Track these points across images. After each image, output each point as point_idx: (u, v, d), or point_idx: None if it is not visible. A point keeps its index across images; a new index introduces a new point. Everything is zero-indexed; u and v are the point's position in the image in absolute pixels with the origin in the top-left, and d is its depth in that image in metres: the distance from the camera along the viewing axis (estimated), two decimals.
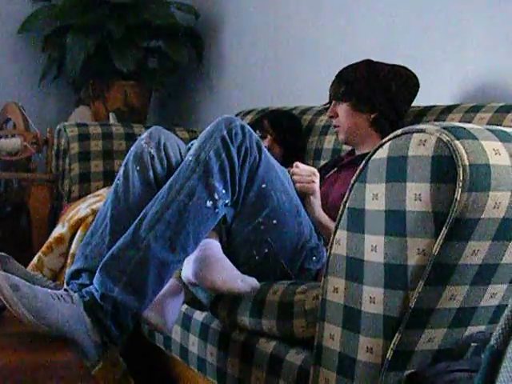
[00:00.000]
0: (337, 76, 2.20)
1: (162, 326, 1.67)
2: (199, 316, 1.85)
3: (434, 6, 2.45)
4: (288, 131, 2.60)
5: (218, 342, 1.72)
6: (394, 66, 2.16)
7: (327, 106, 2.24)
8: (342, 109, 2.17)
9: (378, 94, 2.12)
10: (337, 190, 2.05)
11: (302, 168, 1.89)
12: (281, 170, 1.78)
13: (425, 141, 1.12)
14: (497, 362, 0.70)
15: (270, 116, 2.65)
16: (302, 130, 2.68)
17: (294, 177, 1.86)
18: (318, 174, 1.90)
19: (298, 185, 1.85)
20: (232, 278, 1.61)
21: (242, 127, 1.66)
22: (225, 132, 1.63)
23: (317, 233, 1.85)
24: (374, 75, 2.12)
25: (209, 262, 1.63)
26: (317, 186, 1.89)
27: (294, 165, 1.90)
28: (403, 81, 2.13)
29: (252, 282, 1.62)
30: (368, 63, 2.16)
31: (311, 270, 1.81)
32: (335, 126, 2.21)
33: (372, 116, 2.14)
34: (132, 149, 1.79)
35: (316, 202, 1.89)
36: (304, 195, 1.86)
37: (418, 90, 2.17)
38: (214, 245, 1.69)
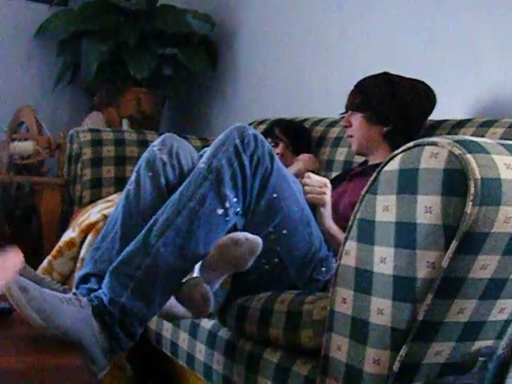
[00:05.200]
0: (355, 86, 2.20)
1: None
2: (207, 324, 1.85)
3: (447, 19, 2.45)
4: (300, 138, 2.61)
5: (225, 350, 1.72)
6: (412, 80, 2.15)
7: (344, 115, 2.24)
8: (357, 119, 2.17)
9: (392, 108, 2.12)
10: (347, 199, 2.05)
11: (313, 179, 1.89)
12: (292, 180, 1.78)
13: (436, 154, 1.12)
14: (503, 372, 0.70)
15: (281, 123, 2.67)
16: (311, 138, 2.69)
17: (306, 187, 1.86)
18: (329, 186, 1.90)
19: (309, 195, 1.85)
20: None
21: (255, 136, 1.66)
22: (237, 141, 1.64)
23: (326, 243, 1.85)
24: (391, 89, 2.12)
25: None
26: (328, 197, 1.89)
27: (306, 175, 1.90)
28: (420, 97, 2.12)
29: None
30: (387, 76, 2.15)
31: (320, 281, 1.81)
32: (349, 136, 2.22)
33: (385, 129, 2.14)
34: (144, 155, 1.79)
35: (326, 213, 1.89)
36: (315, 206, 1.86)
37: (434, 107, 2.17)
38: None
